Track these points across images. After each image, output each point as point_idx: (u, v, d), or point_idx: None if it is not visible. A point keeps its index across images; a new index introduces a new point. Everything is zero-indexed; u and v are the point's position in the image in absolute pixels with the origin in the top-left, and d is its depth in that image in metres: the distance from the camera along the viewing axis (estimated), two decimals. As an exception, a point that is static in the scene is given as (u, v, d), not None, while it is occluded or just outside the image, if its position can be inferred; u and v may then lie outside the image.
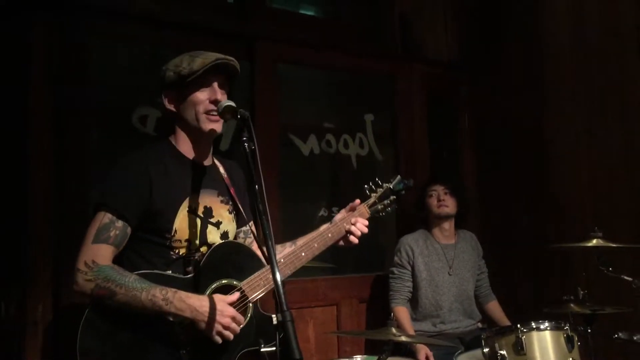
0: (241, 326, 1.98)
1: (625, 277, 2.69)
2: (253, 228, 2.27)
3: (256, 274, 2.06)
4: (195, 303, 1.89)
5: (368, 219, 2.30)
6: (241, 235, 2.33)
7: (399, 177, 2.41)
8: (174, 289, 1.89)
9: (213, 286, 2.00)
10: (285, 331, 1.52)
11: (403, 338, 2.48)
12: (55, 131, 2.86)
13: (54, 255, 2.78)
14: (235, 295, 1.99)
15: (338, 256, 3.79)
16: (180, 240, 2.03)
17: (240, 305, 2.02)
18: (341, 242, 2.27)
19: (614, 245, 2.75)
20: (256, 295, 2.04)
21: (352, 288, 3.80)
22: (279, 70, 3.65)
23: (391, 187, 2.37)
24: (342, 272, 3.83)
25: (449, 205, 3.54)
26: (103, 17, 3.05)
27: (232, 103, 1.92)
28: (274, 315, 1.57)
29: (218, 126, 2.09)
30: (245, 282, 2.04)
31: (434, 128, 4.30)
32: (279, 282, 1.59)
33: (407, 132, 4.15)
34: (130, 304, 1.85)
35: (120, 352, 1.86)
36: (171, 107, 2.10)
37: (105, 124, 3.12)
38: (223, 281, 2.02)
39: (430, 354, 3.12)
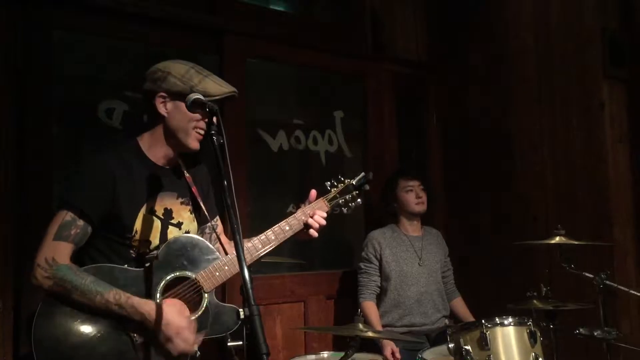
0: (195, 317, 2.02)
1: (587, 274, 2.74)
2: (216, 223, 2.32)
3: (211, 265, 2.07)
4: (145, 310, 1.93)
5: (328, 213, 2.31)
6: (206, 231, 2.34)
7: (362, 173, 2.41)
8: (127, 294, 1.93)
9: (167, 278, 2.02)
10: (252, 326, 1.52)
11: (370, 334, 2.50)
12: (16, 126, 2.80)
13: (15, 252, 2.73)
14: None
15: (306, 252, 3.79)
16: (140, 241, 2.06)
17: (195, 296, 2.05)
18: (301, 236, 2.26)
19: (576, 242, 2.80)
20: (211, 285, 2.06)
21: (319, 284, 3.81)
22: (248, 66, 3.63)
23: (353, 182, 2.37)
24: (310, 268, 3.84)
25: (425, 203, 3.56)
26: (68, 8, 2.99)
27: (200, 96, 1.92)
28: (241, 310, 1.57)
29: (199, 144, 2.14)
30: (199, 273, 2.06)
31: (402, 126, 4.34)
32: (247, 277, 1.59)
33: (376, 130, 4.17)
34: (84, 305, 1.91)
35: (75, 340, 1.89)
36: (162, 111, 2.10)
37: (70, 118, 3.06)
38: (177, 273, 2.04)
39: (396, 349, 3.15)
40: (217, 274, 2.06)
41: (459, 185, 4.29)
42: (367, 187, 2.39)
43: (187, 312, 2.01)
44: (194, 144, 2.12)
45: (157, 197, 2.12)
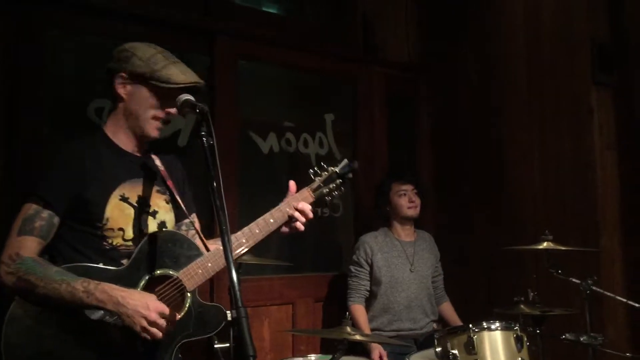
0: (178, 318, 1.94)
1: (574, 280, 2.76)
2: (193, 220, 2.21)
3: (193, 263, 1.99)
4: (118, 294, 1.81)
5: (313, 204, 2.21)
6: (183, 227, 2.24)
7: (345, 160, 2.32)
8: (96, 281, 1.82)
9: (147, 277, 1.94)
10: (239, 328, 1.49)
11: (357, 337, 2.49)
12: (6, 126, 2.78)
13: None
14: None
15: (295, 255, 3.79)
16: (112, 229, 1.96)
17: (178, 295, 1.97)
18: (285, 228, 2.18)
19: (564, 248, 2.82)
20: (194, 284, 1.98)
21: (308, 287, 3.80)
22: (239, 67, 3.62)
23: (337, 170, 2.26)
24: (298, 270, 3.83)
25: (418, 207, 3.53)
26: (60, 8, 2.98)
27: (190, 97, 1.89)
28: (228, 312, 1.55)
29: (159, 134, 2.06)
30: (182, 271, 1.98)
31: (393, 129, 4.35)
32: (235, 279, 1.56)
33: (366, 132, 4.18)
34: (51, 297, 1.79)
35: (46, 345, 1.80)
36: (121, 92, 2.02)
37: (60, 117, 3.04)
38: (158, 272, 1.95)
39: (384, 353, 3.15)
40: (200, 271, 1.98)
41: (449, 189, 4.31)
42: (350, 175, 2.30)
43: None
44: (153, 132, 2.03)
45: (129, 184, 2.02)
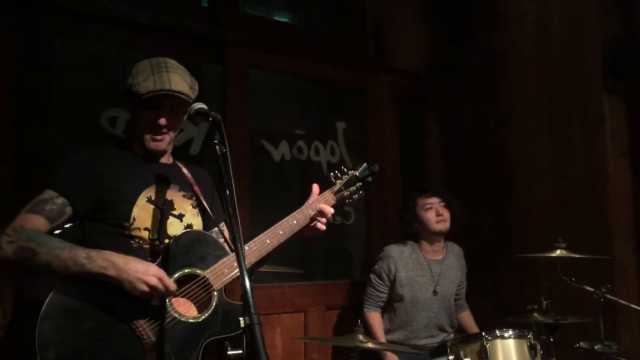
0: (206, 315, 1.98)
1: (587, 288, 2.75)
2: (224, 228, 2.25)
3: (220, 262, 2.03)
4: (120, 261, 1.84)
5: (335, 206, 2.27)
6: (213, 235, 2.27)
7: (365, 164, 2.38)
8: (98, 249, 1.86)
9: (175, 275, 1.96)
10: (252, 334, 1.50)
11: (370, 345, 2.49)
12: (19, 133, 2.81)
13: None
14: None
15: (307, 263, 3.79)
16: (139, 229, 2.00)
17: (205, 294, 2.00)
18: (308, 231, 2.22)
19: (577, 256, 2.81)
20: (221, 283, 2.01)
21: (320, 295, 3.79)
22: (250, 76, 3.64)
23: (357, 174, 2.34)
24: (310, 278, 3.83)
25: (447, 220, 3.34)
26: (70, 17, 3.01)
27: (203, 106, 1.92)
28: (241, 318, 1.55)
29: (162, 145, 2.11)
30: (209, 270, 2.01)
31: (404, 137, 4.35)
32: (248, 287, 1.57)
33: (377, 141, 4.18)
34: (52, 263, 1.82)
35: (79, 343, 1.81)
36: (127, 108, 2.13)
37: (72, 126, 3.07)
38: (186, 270, 1.99)
39: (398, 362, 3.12)
40: (226, 270, 2.02)
41: (459, 197, 4.28)
42: (370, 179, 2.37)
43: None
44: (150, 145, 2.09)
45: (155, 187, 2.07)
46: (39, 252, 1.82)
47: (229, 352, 2.63)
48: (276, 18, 4.04)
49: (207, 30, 3.49)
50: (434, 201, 3.38)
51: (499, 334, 2.57)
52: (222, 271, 2.01)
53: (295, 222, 2.17)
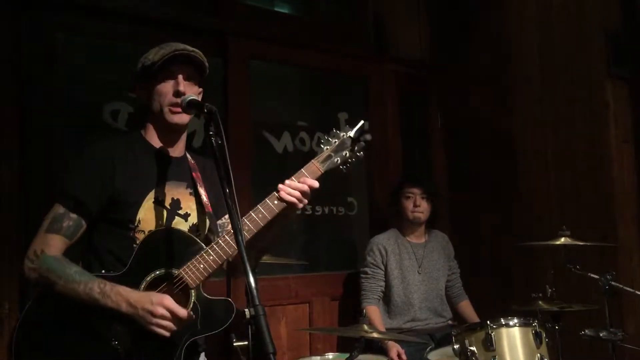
0: (186, 313, 1.88)
1: (592, 275, 2.74)
2: (227, 221, 2.18)
3: (194, 259, 1.93)
4: (132, 297, 1.82)
5: (321, 176, 2.02)
6: (218, 230, 2.22)
7: (362, 122, 2.10)
8: (112, 284, 1.84)
9: (148, 279, 1.91)
10: (258, 325, 1.48)
11: (374, 335, 2.50)
12: (21, 128, 2.81)
13: (20, 252, 2.73)
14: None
15: (311, 254, 3.79)
16: (143, 231, 1.97)
17: (182, 294, 1.92)
18: (285, 217, 2.06)
19: (581, 243, 2.80)
20: (197, 279, 1.92)
21: (324, 286, 3.80)
22: (252, 67, 3.63)
23: (351, 134, 2.06)
24: (314, 269, 3.84)
25: (423, 212, 3.52)
26: (70, 10, 3.01)
27: (195, 97, 1.90)
28: (246, 310, 1.54)
29: (182, 118, 2.03)
30: (183, 269, 1.92)
31: (406, 127, 4.34)
32: (251, 277, 1.55)
33: (380, 131, 4.17)
34: (69, 295, 1.84)
35: (56, 355, 1.84)
36: (143, 98, 2.08)
37: (75, 120, 3.07)
38: (157, 272, 1.92)
39: (402, 351, 3.13)
40: (202, 266, 1.92)
41: (463, 186, 4.29)
42: (368, 137, 2.10)
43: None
44: (170, 118, 2.01)
45: (163, 185, 2.04)
46: (56, 283, 1.85)
47: (235, 344, 2.61)
48: (276, 8, 4.02)
49: (207, 21, 3.48)
50: (416, 191, 3.53)
51: (504, 322, 2.56)
52: (197, 267, 1.92)
53: (276, 202, 2.01)
